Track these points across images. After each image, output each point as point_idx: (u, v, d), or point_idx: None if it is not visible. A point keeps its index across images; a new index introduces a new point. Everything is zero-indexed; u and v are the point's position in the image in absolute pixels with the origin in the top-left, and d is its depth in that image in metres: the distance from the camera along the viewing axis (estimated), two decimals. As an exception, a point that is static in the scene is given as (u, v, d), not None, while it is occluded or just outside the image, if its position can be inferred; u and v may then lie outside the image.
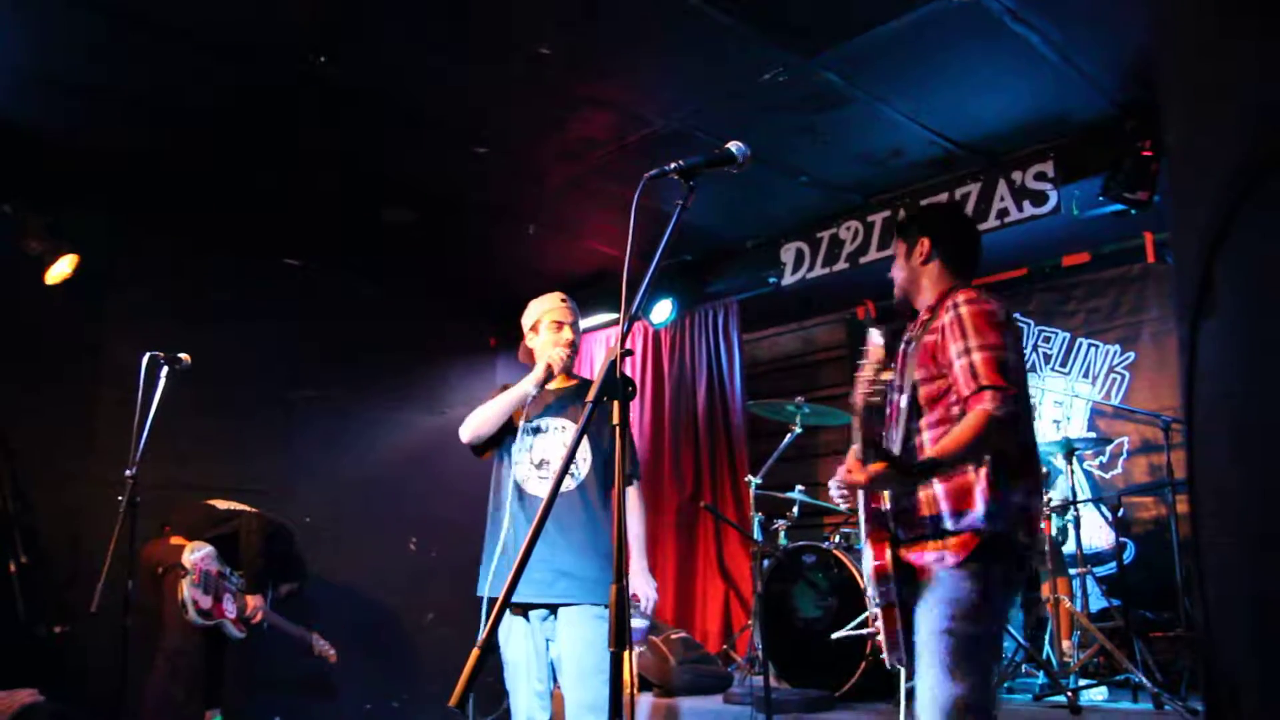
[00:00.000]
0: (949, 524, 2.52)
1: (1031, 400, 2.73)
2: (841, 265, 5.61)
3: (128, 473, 3.95)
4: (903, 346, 2.80)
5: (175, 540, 4.66)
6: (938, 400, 2.62)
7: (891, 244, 2.99)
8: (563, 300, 3.63)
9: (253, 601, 4.76)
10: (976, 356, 2.51)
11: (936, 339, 2.62)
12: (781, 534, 5.32)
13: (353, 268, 6.40)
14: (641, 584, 3.50)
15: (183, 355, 4.18)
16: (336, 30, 3.90)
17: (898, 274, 2.91)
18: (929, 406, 2.64)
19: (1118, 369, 5.74)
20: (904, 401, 2.68)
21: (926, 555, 2.55)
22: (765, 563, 4.82)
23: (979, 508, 2.48)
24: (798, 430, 5.21)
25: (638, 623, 4.59)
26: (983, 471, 2.50)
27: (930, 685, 2.47)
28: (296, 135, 4.79)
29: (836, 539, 5.12)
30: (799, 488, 5.35)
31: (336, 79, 4.23)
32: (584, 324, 6.93)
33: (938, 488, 2.56)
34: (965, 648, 2.46)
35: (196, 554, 4.58)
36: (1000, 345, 2.51)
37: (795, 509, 5.31)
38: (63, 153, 4.87)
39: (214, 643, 4.70)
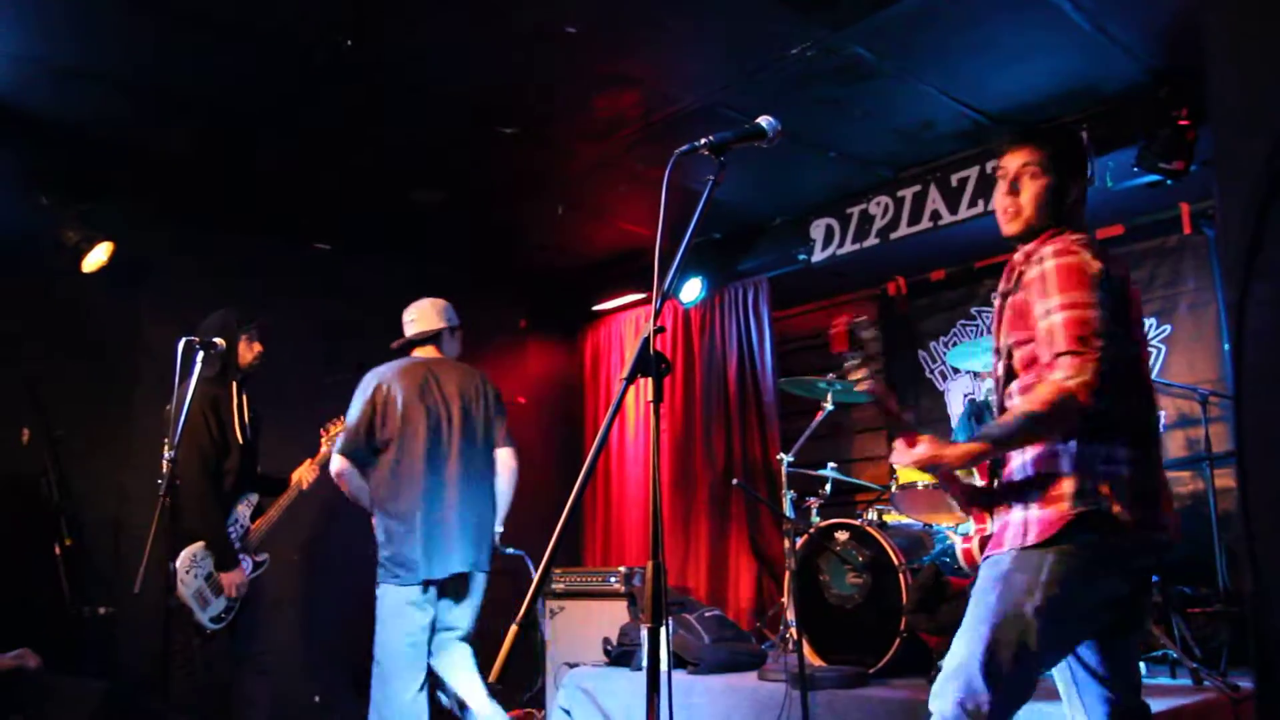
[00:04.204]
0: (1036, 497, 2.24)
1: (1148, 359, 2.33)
2: (872, 241, 5.57)
3: (166, 455, 4.01)
4: (997, 302, 2.49)
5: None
6: (1032, 365, 2.32)
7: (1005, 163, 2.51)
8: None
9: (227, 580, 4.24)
10: (1057, 318, 2.19)
11: (1026, 296, 2.32)
12: (814, 511, 5.31)
13: (382, 251, 6.43)
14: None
15: (217, 340, 4.22)
16: (361, 13, 3.91)
17: (1009, 204, 2.48)
18: (1024, 371, 2.35)
19: (1153, 342, 5.66)
20: (1000, 367, 2.43)
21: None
22: (798, 540, 4.81)
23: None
24: (829, 408, 5.17)
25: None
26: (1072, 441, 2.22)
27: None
28: (323, 119, 4.81)
29: (869, 516, 5.10)
30: (831, 465, 5.32)
31: (362, 62, 4.24)
32: (610, 305, 6.99)
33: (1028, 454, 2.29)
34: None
35: (186, 581, 4.20)
36: (1085, 303, 2.17)
37: (827, 486, 5.28)
38: (97, 143, 4.92)
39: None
